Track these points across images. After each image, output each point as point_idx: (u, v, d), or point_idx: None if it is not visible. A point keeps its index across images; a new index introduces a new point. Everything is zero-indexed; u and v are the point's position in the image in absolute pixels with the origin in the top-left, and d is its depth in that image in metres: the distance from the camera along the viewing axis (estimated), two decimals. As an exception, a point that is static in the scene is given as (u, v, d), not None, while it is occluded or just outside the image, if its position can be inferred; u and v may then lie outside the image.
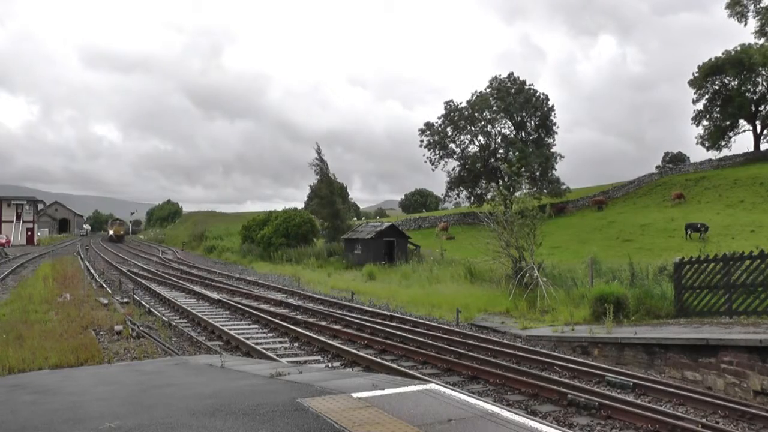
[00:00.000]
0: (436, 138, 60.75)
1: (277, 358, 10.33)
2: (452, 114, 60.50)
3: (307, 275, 29.89)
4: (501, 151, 59.64)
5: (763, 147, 62.15)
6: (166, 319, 14.66)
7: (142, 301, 17.81)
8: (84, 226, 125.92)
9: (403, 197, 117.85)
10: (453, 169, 61.60)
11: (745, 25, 53.33)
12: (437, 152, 61.20)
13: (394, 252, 32.93)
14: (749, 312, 12.15)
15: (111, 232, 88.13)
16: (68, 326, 12.02)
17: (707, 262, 13.21)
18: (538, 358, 11.07)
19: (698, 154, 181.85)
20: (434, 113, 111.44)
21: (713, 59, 61.07)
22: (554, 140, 59.84)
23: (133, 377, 6.69)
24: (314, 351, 11.75)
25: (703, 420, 7.72)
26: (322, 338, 12.40)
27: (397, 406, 4.76)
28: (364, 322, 14.73)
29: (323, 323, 14.94)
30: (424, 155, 61.70)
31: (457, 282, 22.44)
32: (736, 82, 60.96)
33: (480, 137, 60.47)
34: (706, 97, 63.71)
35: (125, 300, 18.13)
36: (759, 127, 62.89)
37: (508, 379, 9.31)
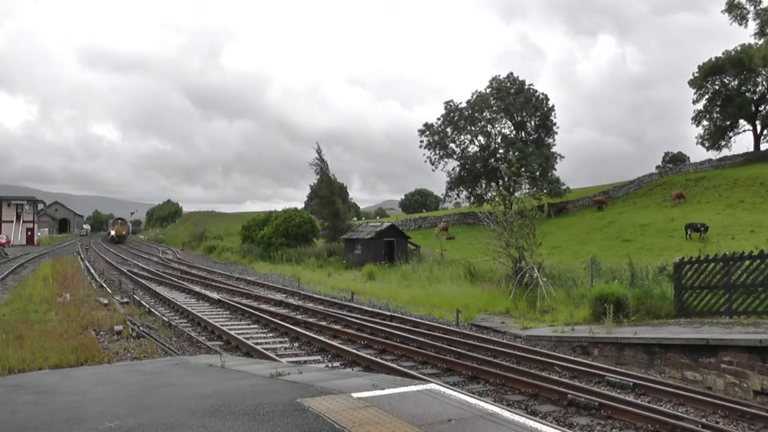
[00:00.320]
0: (436, 138, 60.78)
1: (277, 358, 10.33)
2: (452, 114, 60.52)
3: (307, 275, 29.89)
4: (501, 151, 59.66)
5: (763, 147, 62.21)
6: (166, 319, 14.66)
7: (142, 301, 17.81)
8: (84, 226, 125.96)
9: (403, 197, 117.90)
10: (453, 169, 61.69)
11: (745, 26, 53.38)
12: (437, 152, 61.26)
13: (394, 252, 32.93)
14: (749, 312, 12.15)
15: (112, 233, 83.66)
16: (68, 326, 12.02)
17: (707, 262, 13.21)
18: (538, 358, 11.07)
19: (698, 154, 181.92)
20: (433, 113, 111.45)
21: (713, 59, 61.09)
22: (554, 140, 59.94)
23: (133, 377, 6.69)
24: (314, 351, 11.75)
25: (703, 420, 7.72)
26: (322, 338, 12.40)
27: (397, 406, 4.76)
28: (364, 322, 14.73)
29: (323, 323, 14.94)
30: (424, 155, 61.83)
31: (457, 282, 22.43)
32: (736, 82, 60.97)
33: (480, 137, 60.52)
34: (706, 97, 63.72)
35: (125, 300, 18.14)
36: (759, 127, 62.89)
37: (508, 379, 9.31)
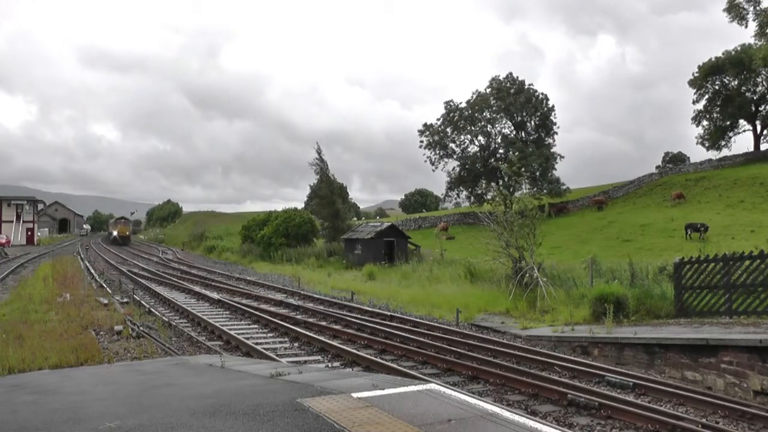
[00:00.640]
0: (436, 138, 60.79)
1: (277, 358, 10.33)
2: (452, 114, 60.53)
3: (307, 275, 29.89)
4: (501, 151, 59.68)
5: (763, 147, 62.19)
6: (166, 319, 14.66)
7: (142, 301, 17.81)
8: (84, 226, 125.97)
9: (403, 197, 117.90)
10: (453, 169, 61.71)
11: (746, 27, 53.34)
12: (437, 152, 61.27)
13: (394, 252, 32.93)
14: (749, 312, 12.14)
15: (114, 233, 76.03)
16: (68, 326, 12.02)
17: (707, 262, 13.21)
18: (538, 358, 11.07)
19: (698, 154, 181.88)
20: (433, 113, 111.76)
21: (713, 59, 61.08)
22: (554, 140, 59.94)
23: (133, 377, 6.69)
24: (314, 351, 11.75)
25: (703, 420, 7.72)
26: (322, 338, 12.40)
27: (397, 406, 4.76)
28: (364, 322, 14.73)
29: (323, 323, 14.94)
30: (424, 155, 61.85)
31: (457, 282, 22.43)
32: (736, 82, 60.96)
33: (480, 137, 60.54)
34: (706, 97, 63.71)
35: (125, 300, 18.14)
36: (759, 127, 62.89)
37: (508, 379, 9.31)
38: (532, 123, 60.31)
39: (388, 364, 10.13)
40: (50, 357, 8.98)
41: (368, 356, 10.64)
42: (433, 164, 61.46)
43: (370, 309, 17.72)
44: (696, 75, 62.83)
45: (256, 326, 14.64)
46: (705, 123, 65.11)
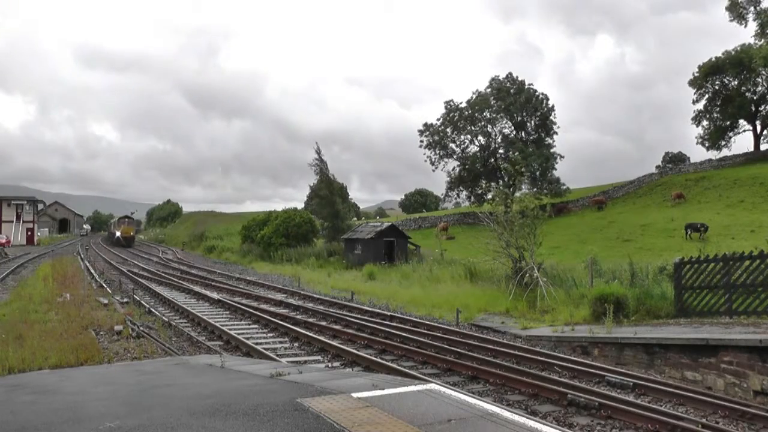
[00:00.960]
0: (436, 138, 60.79)
1: (277, 358, 10.33)
2: (452, 114, 60.52)
3: (307, 275, 29.88)
4: (501, 151, 59.68)
5: (763, 147, 62.17)
6: (166, 319, 14.66)
7: (142, 301, 17.81)
8: (84, 226, 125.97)
9: (403, 197, 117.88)
10: (453, 169, 61.71)
11: (745, 26, 53.39)
12: (437, 152, 61.27)
13: (394, 252, 32.93)
14: (749, 312, 12.14)
15: (117, 233, 69.26)
16: (68, 326, 12.02)
17: (707, 262, 13.20)
18: (538, 358, 11.07)
19: (698, 154, 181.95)
20: (432, 112, 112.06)
21: (713, 59, 61.07)
22: (554, 140, 59.94)
23: (133, 377, 6.69)
24: (314, 351, 11.75)
25: (703, 420, 7.72)
26: (322, 338, 12.40)
27: (397, 406, 4.76)
28: (364, 322, 14.73)
29: (323, 323, 14.94)
30: (424, 155, 61.85)
31: (457, 282, 22.42)
32: (736, 82, 60.95)
33: (480, 137, 60.54)
34: (706, 97, 63.70)
35: (125, 300, 18.14)
36: (759, 127, 62.88)
37: (508, 379, 9.31)
38: (532, 123, 60.31)
39: (388, 364, 10.13)
40: (50, 357, 8.98)
41: (368, 356, 10.64)
42: (433, 164, 61.52)
43: (370, 309, 17.72)
44: (696, 75, 62.83)
45: (256, 326, 14.64)
46: (705, 123, 65.12)
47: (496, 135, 60.62)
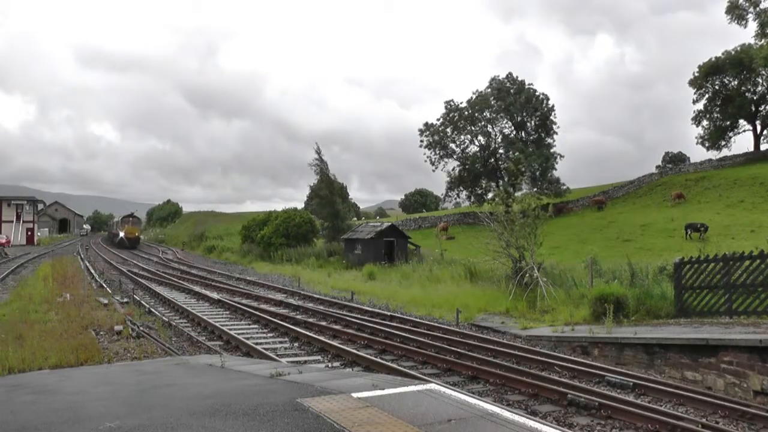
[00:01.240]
0: (436, 138, 60.80)
1: (277, 358, 10.33)
2: (452, 114, 60.54)
3: (307, 275, 29.89)
4: (501, 151, 59.68)
5: (763, 147, 62.17)
6: (166, 319, 14.66)
7: (142, 301, 17.81)
8: (84, 226, 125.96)
9: (403, 197, 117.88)
10: (453, 169, 61.72)
11: (745, 27, 53.38)
12: (437, 152, 61.28)
13: (394, 252, 32.93)
14: (749, 312, 12.14)
15: (121, 234, 63.07)
16: (68, 326, 12.02)
17: (707, 262, 13.20)
18: (538, 358, 11.07)
19: (698, 154, 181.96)
20: (431, 112, 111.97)
21: (713, 59, 61.08)
22: (554, 140, 59.96)
23: (133, 377, 6.69)
24: (314, 351, 11.75)
25: (703, 420, 7.72)
26: (322, 338, 12.40)
27: (397, 406, 4.76)
28: (364, 322, 14.73)
29: (323, 323, 14.94)
30: (424, 155, 61.88)
31: (457, 282, 22.42)
32: (736, 82, 60.95)
33: (480, 137, 60.55)
34: (707, 97, 63.71)
35: (125, 300, 18.14)
36: (759, 127, 62.89)
37: (508, 379, 9.31)
38: (532, 123, 60.33)
39: (388, 364, 10.13)
40: (50, 357, 8.98)
41: (368, 356, 10.64)
42: (433, 164, 61.55)
43: (370, 309, 17.72)
44: (696, 75, 62.84)
45: (256, 326, 14.64)
46: (705, 123, 65.13)
47: (496, 135, 60.69)
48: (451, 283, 22.40)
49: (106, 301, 16.74)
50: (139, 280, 25.74)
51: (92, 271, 28.85)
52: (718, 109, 63.41)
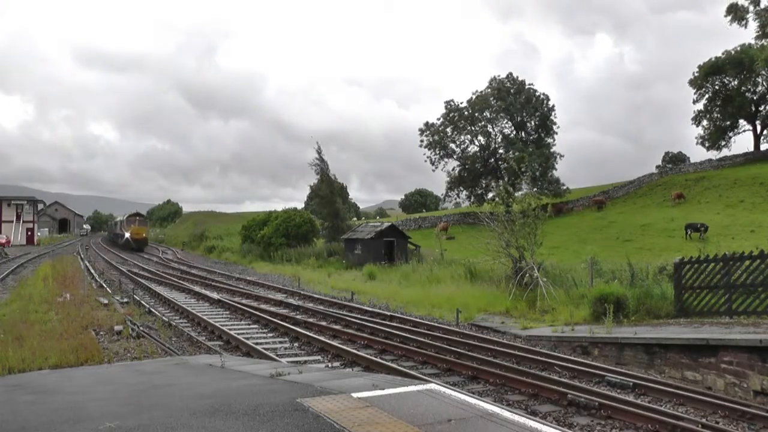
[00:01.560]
0: (436, 138, 60.80)
1: (277, 358, 10.33)
2: (452, 114, 60.54)
3: (307, 275, 29.89)
4: (501, 151, 59.69)
5: (763, 147, 62.21)
6: (166, 319, 14.66)
7: (142, 301, 17.81)
8: (84, 226, 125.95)
9: (403, 197, 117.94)
10: (453, 169, 61.72)
11: (746, 27, 53.37)
12: (437, 152, 61.27)
13: (394, 252, 32.93)
14: (749, 312, 12.14)
15: (126, 235, 57.40)
16: (68, 326, 12.02)
17: (707, 262, 13.20)
18: (538, 358, 11.07)
19: (698, 154, 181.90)
20: (430, 112, 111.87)
21: (713, 59, 61.11)
22: (554, 140, 59.97)
23: (133, 377, 6.70)
24: (314, 351, 11.75)
25: (703, 420, 7.72)
26: (322, 338, 12.40)
27: (397, 406, 4.76)
28: (364, 322, 14.73)
29: (323, 323, 14.94)
30: (424, 155, 61.88)
31: (457, 282, 22.42)
32: (736, 82, 60.98)
33: (480, 137, 60.55)
34: (707, 97, 63.74)
35: (125, 300, 18.14)
36: (759, 127, 62.91)
37: (508, 379, 9.31)
38: (532, 123, 60.34)
39: (388, 364, 10.13)
40: (50, 357, 8.98)
41: (368, 356, 10.64)
42: (433, 164, 61.54)
43: (370, 309, 17.72)
44: (696, 75, 62.86)
45: (256, 326, 14.64)
46: (705, 123, 65.17)
47: (496, 135, 60.68)
48: (451, 283, 22.40)
49: (106, 301, 16.74)
50: (139, 280, 25.73)
51: (92, 271, 28.84)
52: (718, 109, 63.45)
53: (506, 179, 50.46)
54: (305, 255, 38.74)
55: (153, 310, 16.27)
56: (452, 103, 60.98)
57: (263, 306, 18.09)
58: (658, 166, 76.46)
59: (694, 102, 64.71)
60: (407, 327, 14.35)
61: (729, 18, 52.39)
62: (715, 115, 64.17)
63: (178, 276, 28.92)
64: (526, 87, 59.61)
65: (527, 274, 18.64)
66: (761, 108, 62.23)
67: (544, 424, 4.59)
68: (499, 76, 61.02)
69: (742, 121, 63.88)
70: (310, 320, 15.37)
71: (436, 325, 14.87)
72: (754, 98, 61.49)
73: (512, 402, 8.35)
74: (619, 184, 62.75)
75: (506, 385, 9.19)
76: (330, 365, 10.47)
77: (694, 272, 13.37)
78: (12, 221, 65.80)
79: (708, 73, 61.54)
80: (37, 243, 67.05)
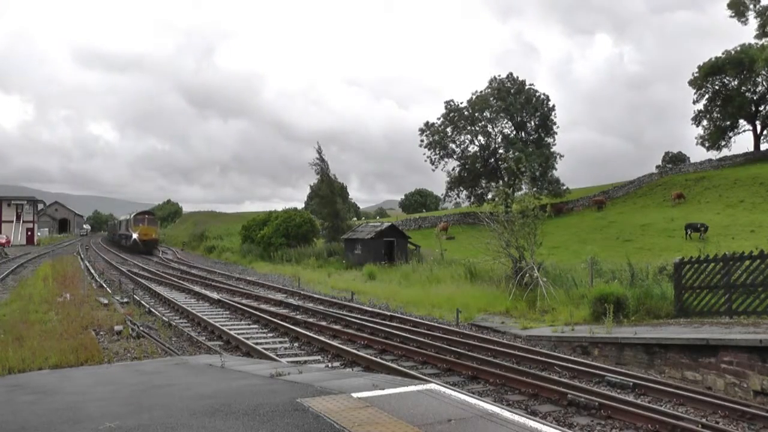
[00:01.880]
0: (436, 138, 60.80)
1: (277, 358, 10.33)
2: (452, 114, 60.54)
3: (307, 275, 29.89)
4: (501, 151, 59.71)
5: (763, 147, 62.21)
6: (166, 319, 14.65)
7: (142, 301, 17.81)
8: (84, 226, 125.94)
9: (403, 197, 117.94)
10: (453, 169, 61.71)
11: (746, 23, 53.38)
12: (437, 152, 61.27)
13: (394, 252, 32.93)
14: (749, 312, 12.14)
15: (134, 236, 51.53)
16: (68, 326, 12.02)
17: (707, 262, 13.20)
18: (538, 358, 11.07)
19: (698, 154, 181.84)
20: (430, 112, 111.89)
21: (713, 59, 61.10)
22: (554, 140, 59.97)
23: (133, 377, 6.70)
24: (314, 351, 11.75)
25: (703, 420, 7.72)
26: (322, 338, 12.40)
27: (397, 406, 4.76)
28: (364, 322, 14.73)
29: (323, 323, 14.94)
30: (424, 155, 61.87)
31: (457, 282, 22.42)
32: (736, 82, 60.98)
33: (480, 137, 60.55)
34: (707, 97, 63.73)
35: (125, 300, 18.14)
36: (759, 127, 62.92)
37: (508, 379, 9.31)
38: (532, 123, 60.33)
39: (388, 364, 10.12)
40: (50, 357, 8.98)
41: (368, 356, 10.64)
42: (433, 164, 61.52)
43: (370, 309, 17.72)
44: (696, 75, 62.86)
45: (256, 326, 14.64)
46: (705, 123, 65.17)
47: (496, 135, 60.66)
48: (451, 283, 22.40)
49: (106, 301, 16.74)
50: (139, 280, 25.74)
51: (92, 271, 28.84)
52: (718, 109, 63.44)
53: (506, 179, 50.48)
54: (305, 255, 38.74)
55: (153, 310, 16.27)
56: (452, 103, 60.99)
57: (263, 306, 18.09)
58: (658, 166, 76.46)
59: (694, 102, 64.77)
60: (407, 327, 14.34)
61: (731, 13, 52.37)
62: (715, 115, 64.17)
63: (178, 276, 28.92)
64: (526, 87, 59.60)
65: (527, 274, 18.64)
66: (761, 108, 62.23)
67: (544, 424, 4.59)
68: (499, 76, 61.07)
69: (742, 121, 63.89)
70: (310, 320, 15.37)
71: (436, 325, 14.87)
72: (754, 98, 61.49)
73: (512, 402, 8.35)
74: (619, 184, 62.76)
75: (506, 385, 9.19)
76: (330, 365, 10.47)
77: (694, 272, 13.37)
78: (12, 221, 65.80)
79: (708, 73, 61.53)
80: (37, 243, 67.04)
